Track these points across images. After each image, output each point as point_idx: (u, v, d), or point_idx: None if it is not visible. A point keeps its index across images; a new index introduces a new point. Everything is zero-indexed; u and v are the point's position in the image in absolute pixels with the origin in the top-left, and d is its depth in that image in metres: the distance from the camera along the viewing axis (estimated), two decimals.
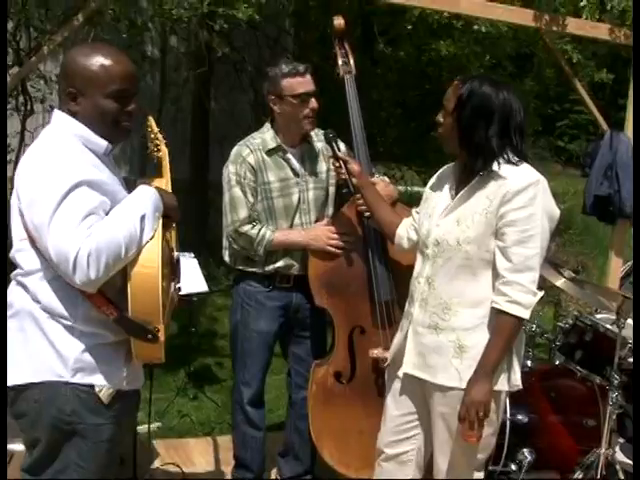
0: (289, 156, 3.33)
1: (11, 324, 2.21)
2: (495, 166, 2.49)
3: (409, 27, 6.71)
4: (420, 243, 2.71)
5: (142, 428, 4.07)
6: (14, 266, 2.23)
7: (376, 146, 8.14)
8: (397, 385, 2.77)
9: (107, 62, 2.20)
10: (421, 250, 2.69)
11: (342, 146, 3.28)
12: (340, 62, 3.37)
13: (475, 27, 5.93)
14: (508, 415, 3.55)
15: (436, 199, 2.70)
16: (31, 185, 2.09)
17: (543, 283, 5.05)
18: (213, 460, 4.04)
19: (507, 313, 2.46)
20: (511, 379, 2.59)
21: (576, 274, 3.92)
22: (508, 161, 2.50)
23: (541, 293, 2.51)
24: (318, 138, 3.40)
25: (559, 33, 4.27)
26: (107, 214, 2.12)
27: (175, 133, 8.17)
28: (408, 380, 2.71)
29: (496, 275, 2.50)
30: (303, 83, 3.23)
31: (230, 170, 3.30)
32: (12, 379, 2.19)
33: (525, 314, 2.48)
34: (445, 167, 2.82)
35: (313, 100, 3.26)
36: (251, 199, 3.28)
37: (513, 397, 3.57)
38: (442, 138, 2.62)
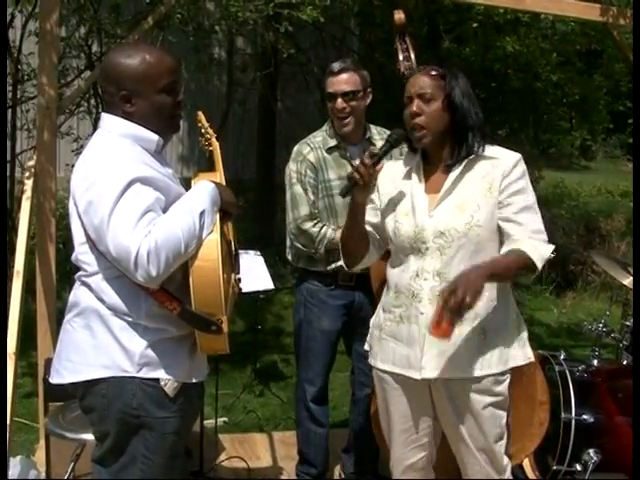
0: (350, 154, 3.36)
1: (78, 322, 2.27)
2: (482, 146, 2.54)
3: (475, 25, 6.67)
4: (407, 240, 2.55)
5: (209, 422, 4.16)
6: (77, 268, 2.30)
7: None
8: (404, 397, 2.67)
9: (152, 59, 2.24)
10: (412, 247, 2.54)
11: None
12: (401, 57, 3.36)
13: (542, 23, 5.87)
14: (574, 414, 3.51)
15: (405, 195, 2.61)
16: (86, 189, 2.15)
17: (613, 282, 4.98)
18: (278, 455, 4.09)
19: (524, 252, 2.44)
20: (527, 354, 2.64)
21: None
22: (488, 142, 2.57)
23: (553, 247, 2.53)
24: (380, 137, 3.42)
25: (627, 27, 4.19)
26: (163, 210, 2.16)
27: (242, 134, 8.32)
28: (420, 387, 2.61)
29: (507, 239, 2.51)
30: (333, 83, 3.29)
31: (291, 168, 3.36)
32: (80, 375, 2.25)
33: (539, 263, 2.45)
34: (393, 164, 2.74)
35: (339, 101, 3.28)
36: (312, 197, 3.32)
37: (579, 396, 3.57)
38: (426, 128, 2.52)
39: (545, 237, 2.53)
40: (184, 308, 2.15)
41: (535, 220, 2.53)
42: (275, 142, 9.03)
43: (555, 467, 3.51)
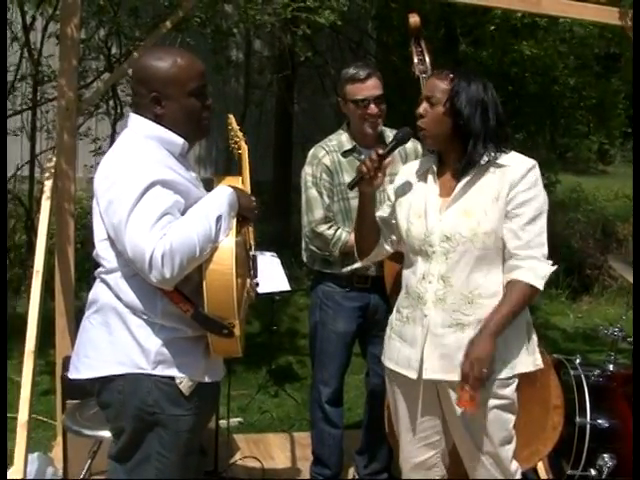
0: (365, 157, 3.36)
1: (96, 319, 2.31)
2: (493, 155, 2.53)
3: (492, 28, 6.67)
4: (416, 242, 2.60)
5: (224, 423, 4.18)
6: (97, 265, 2.34)
7: None
8: (410, 395, 2.69)
9: (182, 62, 2.28)
10: (420, 249, 2.59)
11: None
12: (416, 61, 3.38)
13: (560, 26, 5.87)
14: (589, 419, 3.51)
15: (419, 196, 2.65)
16: (107, 189, 2.19)
17: (629, 287, 4.95)
18: (292, 455, 4.11)
19: (521, 281, 2.48)
20: (536, 360, 2.65)
21: None
22: (502, 150, 2.56)
23: (555, 267, 2.54)
24: None
25: None
26: (182, 213, 2.19)
27: (259, 136, 8.34)
28: (425, 387, 2.64)
29: (508, 256, 2.53)
30: (362, 89, 3.29)
31: (307, 171, 3.39)
32: (97, 371, 2.28)
33: (539, 283, 2.50)
34: (411, 165, 2.81)
35: (372, 106, 3.29)
36: (327, 200, 3.35)
37: (594, 401, 3.56)
38: (427, 130, 2.58)
39: (545, 250, 2.53)
40: (197, 310, 2.18)
41: (536, 232, 2.52)
42: (292, 144, 9.05)
43: (569, 471, 3.51)
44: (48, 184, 3.64)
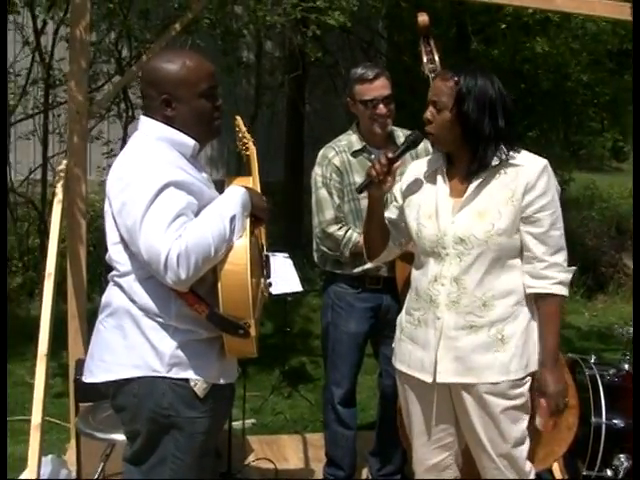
0: (375, 157, 3.36)
1: (110, 322, 2.31)
2: (505, 155, 2.50)
3: (503, 26, 6.64)
4: (428, 244, 2.56)
5: (237, 424, 4.18)
6: (110, 268, 2.33)
7: None
8: (424, 398, 2.66)
9: (192, 64, 2.28)
10: (432, 251, 2.55)
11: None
12: (425, 60, 3.37)
13: (572, 23, 5.84)
14: (604, 419, 3.48)
15: (428, 197, 2.62)
16: (121, 191, 2.19)
17: None
18: (305, 457, 4.10)
19: (554, 295, 2.53)
20: None
21: None
22: (513, 149, 2.53)
23: (574, 268, 2.59)
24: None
25: None
26: (195, 214, 2.19)
27: (270, 136, 8.35)
28: (439, 389, 2.61)
29: (532, 260, 2.52)
30: (371, 89, 3.29)
31: (316, 172, 3.39)
32: (112, 374, 2.28)
33: (567, 292, 2.57)
34: (418, 164, 2.77)
35: (381, 106, 3.29)
36: (337, 200, 3.34)
37: (610, 400, 3.53)
38: (435, 136, 2.56)
39: (565, 254, 2.55)
40: (212, 311, 2.18)
41: (558, 236, 2.53)
42: (303, 144, 9.05)
43: (585, 472, 3.48)
44: (59, 187, 3.65)
